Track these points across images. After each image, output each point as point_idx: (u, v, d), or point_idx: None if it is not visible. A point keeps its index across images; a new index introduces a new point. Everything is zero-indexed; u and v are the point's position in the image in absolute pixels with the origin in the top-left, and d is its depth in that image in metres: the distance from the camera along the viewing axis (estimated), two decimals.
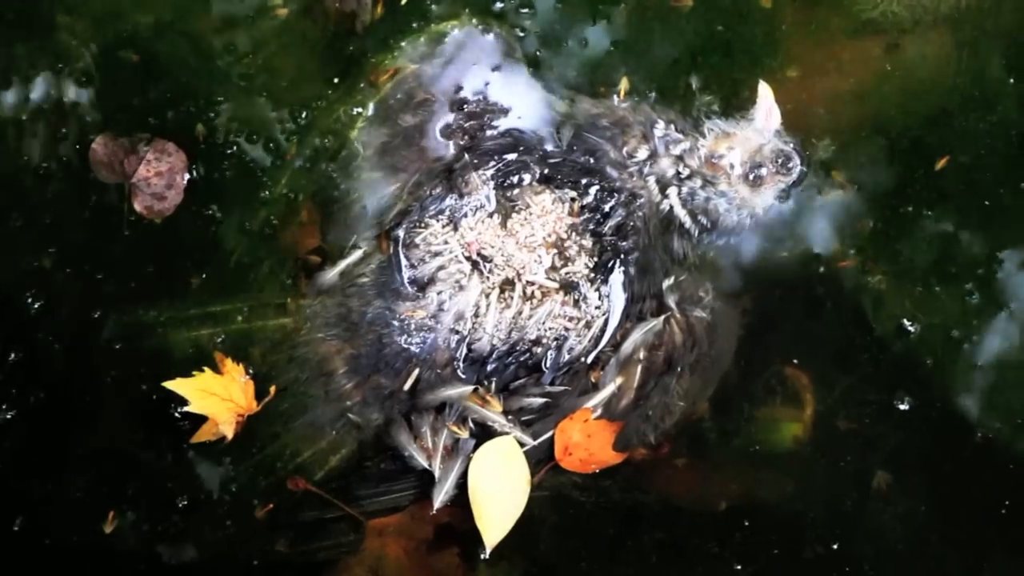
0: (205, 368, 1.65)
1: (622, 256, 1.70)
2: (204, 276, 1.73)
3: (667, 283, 1.73)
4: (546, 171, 1.71)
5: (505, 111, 1.75)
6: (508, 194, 1.70)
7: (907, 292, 1.75)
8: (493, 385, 1.67)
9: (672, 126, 1.75)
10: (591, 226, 1.70)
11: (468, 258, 1.68)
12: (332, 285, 1.71)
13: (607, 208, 1.71)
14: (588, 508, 1.70)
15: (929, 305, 1.75)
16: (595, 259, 1.69)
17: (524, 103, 1.76)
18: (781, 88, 1.77)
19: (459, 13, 1.79)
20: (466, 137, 1.73)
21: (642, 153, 1.73)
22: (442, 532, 1.68)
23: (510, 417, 1.66)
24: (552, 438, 1.67)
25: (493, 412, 1.66)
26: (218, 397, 1.64)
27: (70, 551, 1.66)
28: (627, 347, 1.68)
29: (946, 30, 1.82)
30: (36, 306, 1.70)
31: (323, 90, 1.77)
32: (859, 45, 1.82)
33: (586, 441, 1.67)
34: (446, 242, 1.68)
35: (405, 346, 1.67)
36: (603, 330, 1.69)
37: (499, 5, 1.80)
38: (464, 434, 1.66)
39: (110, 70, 1.77)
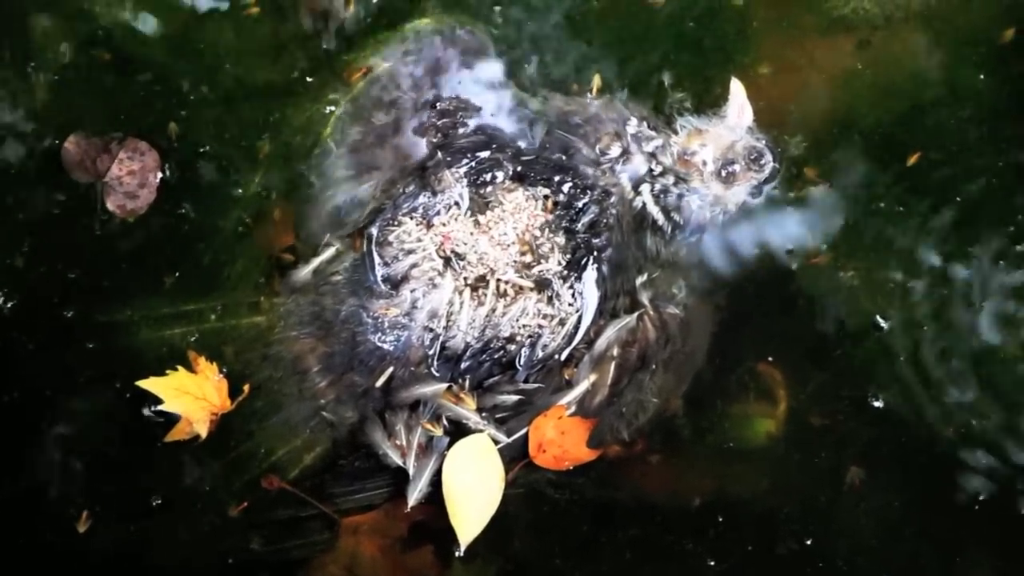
0: (179, 367, 1.65)
1: (595, 253, 1.70)
2: (177, 275, 1.73)
3: (640, 280, 1.73)
4: (519, 168, 1.71)
5: (478, 109, 1.75)
6: (481, 191, 1.70)
7: (880, 288, 1.76)
8: (467, 383, 1.67)
9: (645, 123, 1.75)
10: (564, 223, 1.70)
11: (441, 256, 1.68)
12: (305, 283, 1.71)
13: (580, 205, 1.71)
14: (562, 505, 1.70)
15: (902, 301, 1.75)
16: (568, 256, 1.69)
17: (497, 101, 1.76)
18: (753, 85, 1.77)
19: (432, 11, 1.79)
20: (439, 135, 1.73)
21: (615, 150, 1.74)
22: (416, 530, 1.68)
23: (484, 414, 1.66)
24: (526, 435, 1.67)
25: (467, 409, 1.66)
26: (192, 396, 1.64)
27: (44, 550, 1.66)
28: (601, 344, 1.69)
29: (917, 27, 1.83)
30: (9, 305, 1.70)
31: (296, 88, 1.77)
32: (831, 42, 1.82)
33: (560, 438, 1.68)
34: (419, 240, 1.68)
35: (379, 344, 1.67)
36: (577, 327, 1.69)
37: (472, 3, 1.81)
38: (438, 432, 1.66)
39: (82, 69, 1.77)
